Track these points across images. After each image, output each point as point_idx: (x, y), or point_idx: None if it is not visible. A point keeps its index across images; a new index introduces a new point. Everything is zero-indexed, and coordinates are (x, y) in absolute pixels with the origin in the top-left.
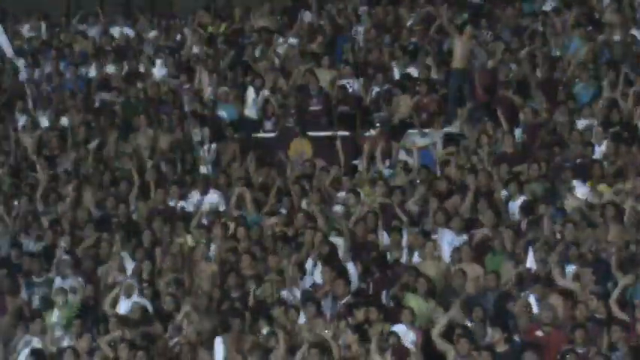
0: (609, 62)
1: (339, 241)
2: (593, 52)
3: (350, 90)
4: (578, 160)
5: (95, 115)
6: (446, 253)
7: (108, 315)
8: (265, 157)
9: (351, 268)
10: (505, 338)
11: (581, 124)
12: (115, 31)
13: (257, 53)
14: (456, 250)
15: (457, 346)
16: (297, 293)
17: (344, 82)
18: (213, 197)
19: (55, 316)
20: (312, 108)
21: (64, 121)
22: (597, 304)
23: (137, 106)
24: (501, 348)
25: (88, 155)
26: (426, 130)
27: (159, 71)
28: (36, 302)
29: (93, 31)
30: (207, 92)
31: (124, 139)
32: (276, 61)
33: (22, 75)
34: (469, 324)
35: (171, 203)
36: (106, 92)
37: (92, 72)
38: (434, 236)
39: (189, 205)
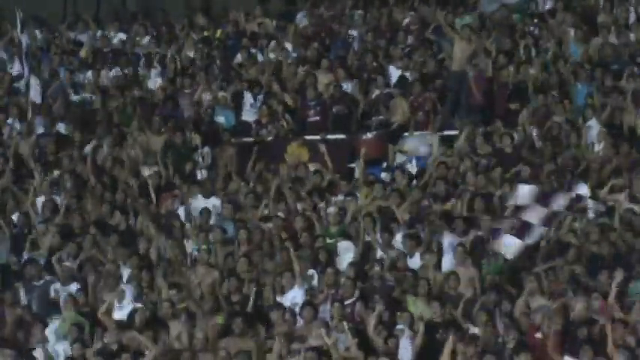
0: (605, 64)
1: (344, 245)
2: (589, 54)
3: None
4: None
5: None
6: (447, 255)
7: (104, 323)
8: (262, 161)
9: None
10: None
11: (585, 125)
12: (110, 36)
13: (250, 58)
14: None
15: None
16: (297, 297)
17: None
18: (215, 202)
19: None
20: (310, 119)
21: (60, 126)
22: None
23: (132, 113)
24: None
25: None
26: (423, 133)
27: (154, 79)
28: (34, 306)
29: (84, 37)
30: (205, 97)
31: (119, 146)
32: (270, 65)
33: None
34: (475, 329)
35: (173, 207)
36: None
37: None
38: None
39: (190, 208)
